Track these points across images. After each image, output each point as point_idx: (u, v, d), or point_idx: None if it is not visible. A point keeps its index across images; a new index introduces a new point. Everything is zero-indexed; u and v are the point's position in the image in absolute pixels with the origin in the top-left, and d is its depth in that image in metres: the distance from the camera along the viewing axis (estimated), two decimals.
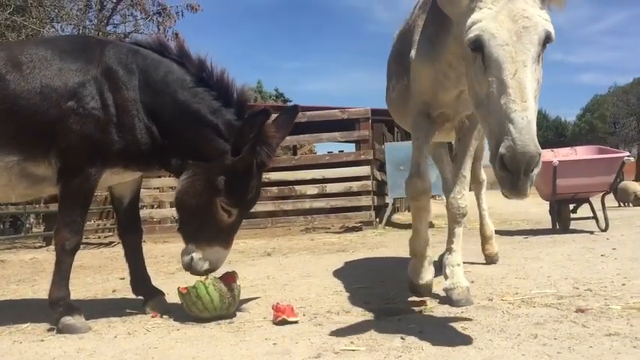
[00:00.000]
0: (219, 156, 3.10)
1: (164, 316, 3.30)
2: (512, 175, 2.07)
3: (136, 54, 3.26)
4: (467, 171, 3.36)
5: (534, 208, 11.49)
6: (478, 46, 2.23)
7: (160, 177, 10.03)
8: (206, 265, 3.12)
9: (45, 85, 3.10)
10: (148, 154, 3.23)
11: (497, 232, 7.85)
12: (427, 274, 3.49)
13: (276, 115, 3.37)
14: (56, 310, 3.09)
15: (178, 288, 3.22)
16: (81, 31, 12.88)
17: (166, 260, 6.67)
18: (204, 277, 3.17)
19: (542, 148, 7.36)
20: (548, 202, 7.65)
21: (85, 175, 3.11)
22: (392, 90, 4.00)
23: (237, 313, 3.26)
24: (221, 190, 3.08)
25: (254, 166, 3.11)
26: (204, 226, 3.11)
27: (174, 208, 11.00)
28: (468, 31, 2.26)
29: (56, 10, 11.10)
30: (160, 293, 3.55)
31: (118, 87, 3.15)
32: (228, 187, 3.08)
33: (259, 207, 10.01)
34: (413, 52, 3.20)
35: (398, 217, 12.73)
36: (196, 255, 3.12)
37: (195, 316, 3.15)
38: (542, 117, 52.24)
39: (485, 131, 2.33)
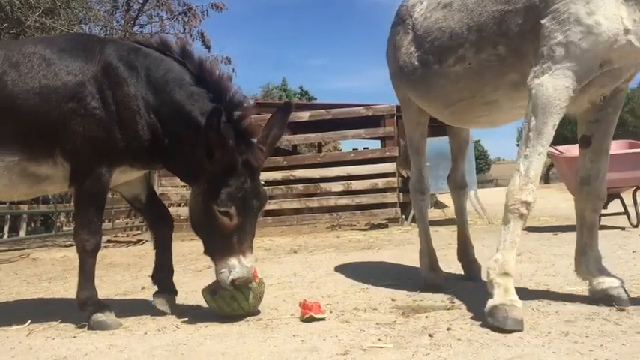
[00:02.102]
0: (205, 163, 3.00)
1: (192, 313, 3.33)
2: None
3: (137, 52, 3.25)
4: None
5: (563, 204, 11.32)
6: None
7: None
8: (231, 277, 3.00)
9: (44, 86, 3.10)
10: (149, 151, 3.20)
11: (526, 228, 7.77)
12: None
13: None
14: (86, 309, 3.14)
15: (208, 291, 3.21)
16: (108, 32, 13.06)
17: (194, 258, 6.72)
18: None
19: (571, 144, 7.15)
20: None
21: (96, 177, 3.13)
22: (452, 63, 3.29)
23: (265, 310, 3.28)
24: (211, 194, 3.00)
25: (237, 164, 2.99)
26: (216, 238, 3.04)
27: None
28: None
29: (84, 12, 11.27)
30: (174, 292, 3.52)
31: (118, 83, 3.13)
32: (216, 189, 2.98)
33: (285, 204, 10.06)
34: None
35: None
36: (219, 273, 3.05)
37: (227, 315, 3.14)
38: None
39: None
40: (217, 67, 3.31)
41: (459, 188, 4.13)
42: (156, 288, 3.55)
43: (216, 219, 3.01)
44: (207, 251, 3.15)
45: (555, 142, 8.63)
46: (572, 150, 7.74)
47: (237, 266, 3.00)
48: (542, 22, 2.74)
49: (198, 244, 7.88)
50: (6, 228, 10.72)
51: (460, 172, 4.14)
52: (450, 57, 3.29)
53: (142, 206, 3.65)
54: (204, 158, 2.97)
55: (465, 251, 4.08)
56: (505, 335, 2.45)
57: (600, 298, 2.93)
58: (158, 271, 3.59)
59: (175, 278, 4.85)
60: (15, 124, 3.10)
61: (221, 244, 3.04)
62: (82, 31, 11.45)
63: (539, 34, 2.76)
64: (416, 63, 3.53)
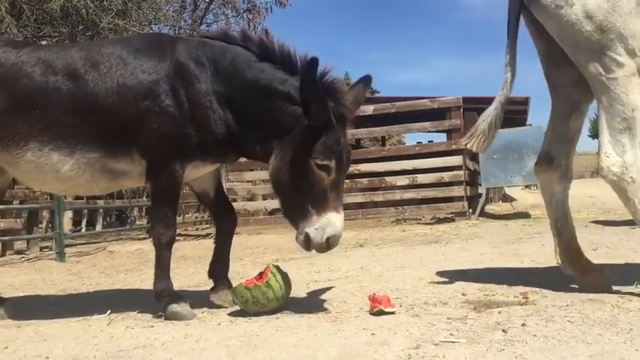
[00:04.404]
0: (297, 122, 3.09)
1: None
2: None
3: (205, 45, 3.34)
4: None
5: None
6: None
7: (252, 170, 10.29)
8: (326, 234, 2.99)
9: (121, 85, 3.21)
10: (223, 145, 3.28)
11: (601, 222, 7.47)
12: None
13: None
14: (162, 300, 3.24)
15: (240, 284, 3.18)
16: (177, 31, 13.43)
17: (261, 251, 6.85)
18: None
19: None
20: None
21: (170, 172, 3.22)
22: None
23: (334, 303, 3.30)
24: (309, 149, 3.02)
25: (332, 119, 3.04)
26: (308, 196, 3.03)
27: (267, 201, 11.13)
28: None
29: (154, 13, 11.65)
30: (229, 286, 3.48)
31: (190, 81, 3.21)
32: (316, 143, 3.01)
33: (349, 198, 10.05)
34: None
35: (492, 208, 12.38)
36: (311, 229, 3.01)
37: (256, 311, 3.12)
38: None
39: None
40: (279, 42, 3.33)
41: (567, 179, 3.40)
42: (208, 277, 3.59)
43: (313, 174, 3.02)
44: (290, 212, 3.15)
45: None
46: None
47: (330, 223, 2.99)
48: None
49: (265, 238, 7.98)
50: (84, 222, 11.22)
51: (572, 159, 3.45)
52: None
53: (209, 201, 3.73)
54: (294, 122, 3.08)
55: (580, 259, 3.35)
56: (584, 332, 2.37)
57: None
58: (215, 265, 3.64)
59: (243, 271, 4.97)
60: (96, 121, 3.24)
61: (313, 201, 3.03)
62: (151, 31, 11.83)
63: None
64: None
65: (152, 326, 3.05)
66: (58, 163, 3.27)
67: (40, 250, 7.91)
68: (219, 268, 3.62)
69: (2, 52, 3.38)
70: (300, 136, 3.07)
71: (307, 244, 3.06)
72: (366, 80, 3.46)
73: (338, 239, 3.06)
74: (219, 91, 3.24)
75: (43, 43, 9.93)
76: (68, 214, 9.79)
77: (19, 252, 7.80)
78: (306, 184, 3.04)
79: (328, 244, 3.02)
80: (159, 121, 3.18)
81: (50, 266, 6.44)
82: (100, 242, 9.32)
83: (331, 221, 3.00)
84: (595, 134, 58.98)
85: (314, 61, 2.97)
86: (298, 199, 3.07)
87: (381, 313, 2.93)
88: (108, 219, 12.86)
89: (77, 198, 9.27)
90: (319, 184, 3.03)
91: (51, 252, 7.44)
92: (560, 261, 3.34)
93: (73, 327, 3.14)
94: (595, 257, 4.34)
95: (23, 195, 7.91)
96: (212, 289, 3.56)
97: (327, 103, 3.01)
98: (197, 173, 3.49)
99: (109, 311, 3.42)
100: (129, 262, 6.54)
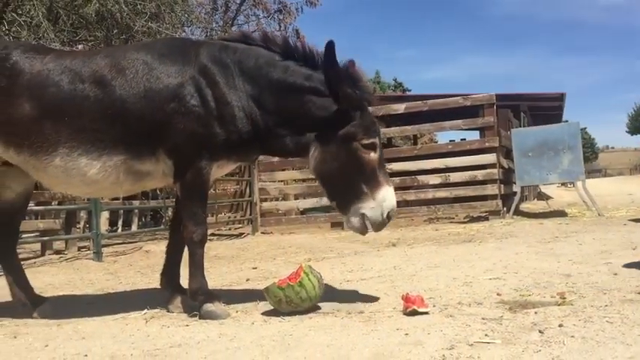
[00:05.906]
0: (330, 113, 3.22)
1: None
2: None
3: (227, 48, 3.41)
4: None
5: None
6: None
7: (284, 169, 10.32)
8: (385, 209, 3.14)
9: (148, 89, 3.27)
10: (248, 143, 3.35)
11: (636, 220, 7.29)
12: None
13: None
14: (197, 299, 3.29)
15: (273, 284, 3.19)
16: (209, 33, 13.56)
17: (294, 251, 6.87)
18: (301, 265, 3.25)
19: None
20: None
21: (197, 171, 3.28)
22: None
23: (367, 303, 3.29)
24: (350, 133, 3.18)
25: (360, 102, 3.21)
26: (360, 178, 3.17)
27: (299, 200, 11.11)
28: None
29: (186, 15, 11.78)
30: (184, 292, 3.51)
31: (215, 82, 3.28)
32: (355, 126, 3.19)
33: None
34: None
35: (527, 206, 12.17)
36: (368, 209, 3.16)
37: (289, 311, 3.14)
38: None
39: None
40: (302, 41, 3.53)
41: None
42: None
43: (359, 155, 3.18)
44: (342, 199, 3.27)
45: None
46: None
47: (387, 198, 3.15)
48: None
49: (297, 238, 8.02)
50: (120, 222, 11.42)
51: None
52: None
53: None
54: (326, 113, 3.22)
55: None
56: (623, 333, 2.32)
57: None
58: (166, 275, 3.71)
59: (276, 270, 5.01)
60: (123, 125, 3.30)
61: (366, 182, 3.17)
62: (184, 33, 11.96)
63: None
64: None
65: (187, 325, 3.09)
66: (86, 167, 3.33)
67: (78, 250, 8.06)
68: (171, 279, 3.70)
69: (26, 58, 3.41)
70: (337, 124, 3.20)
71: (364, 225, 3.19)
72: (352, 62, 3.54)
73: (395, 212, 3.21)
74: (245, 91, 3.32)
75: (79, 47, 10.13)
76: (105, 215, 9.97)
77: (57, 252, 7.96)
78: (356, 166, 3.18)
79: (388, 218, 3.16)
80: (185, 121, 3.24)
81: (88, 266, 6.57)
82: (135, 242, 9.45)
83: (387, 196, 3.15)
84: (634, 130, 57.22)
85: (330, 45, 3.12)
86: (350, 184, 3.20)
87: (414, 313, 2.92)
88: (143, 219, 13.05)
89: (113, 199, 9.43)
90: (369, 163, 3.18)
91: (88, 252, 7.59)
92: None
93: (110, 325, 3.20)
94: (633, 256, 4.25)
95: (61, 196, 8.08)
96: (168, 300, 3.57)
97: (353, 84, 3.16)
98: (220, 172, 3.59)
99: (146, 310, 3.48)
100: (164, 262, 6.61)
